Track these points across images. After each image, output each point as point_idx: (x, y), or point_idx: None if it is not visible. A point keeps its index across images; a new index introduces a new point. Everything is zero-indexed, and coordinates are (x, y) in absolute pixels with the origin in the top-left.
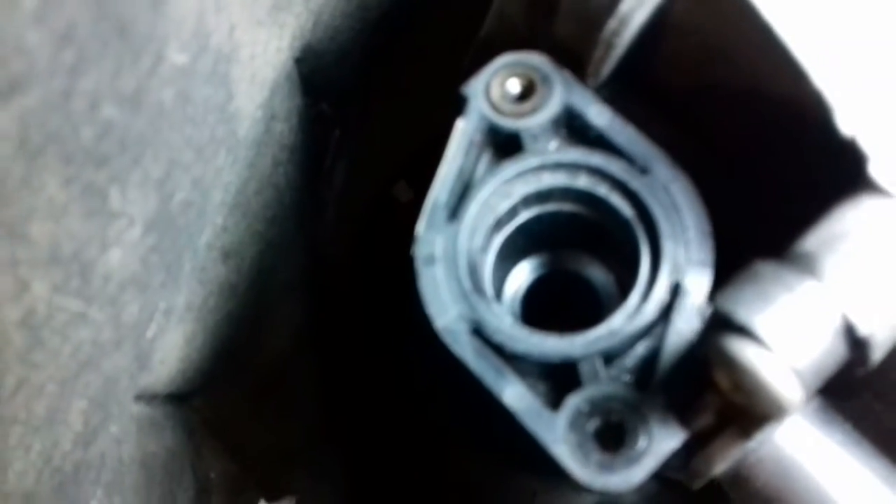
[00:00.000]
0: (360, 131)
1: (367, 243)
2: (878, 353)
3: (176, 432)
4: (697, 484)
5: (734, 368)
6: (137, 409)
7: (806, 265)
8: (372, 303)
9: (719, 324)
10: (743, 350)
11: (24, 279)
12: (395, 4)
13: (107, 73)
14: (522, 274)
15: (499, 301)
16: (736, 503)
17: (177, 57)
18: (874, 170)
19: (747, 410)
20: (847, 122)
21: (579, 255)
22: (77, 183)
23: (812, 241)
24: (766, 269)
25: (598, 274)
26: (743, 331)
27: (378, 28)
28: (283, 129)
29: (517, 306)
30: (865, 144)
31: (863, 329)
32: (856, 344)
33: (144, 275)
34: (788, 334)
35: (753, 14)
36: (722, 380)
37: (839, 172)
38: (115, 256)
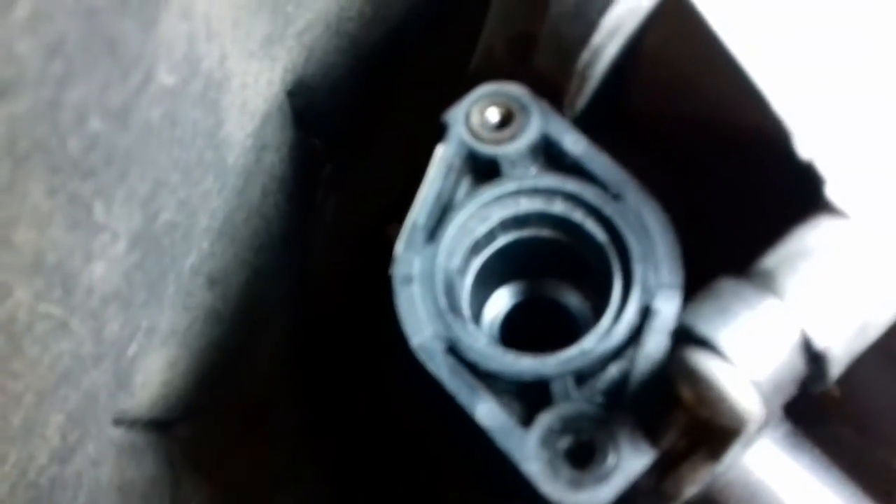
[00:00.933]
0: (353, 168)
1: (356, 278)
2: (835, 369)
3: (156, 461)
4: None
5: (696, 381)
6: (117, 433)
7: (766, 282)
8: (358, 335)
9: (683, 338)
10: (705, 363)
11: (7, 284)
12: (387, 42)
13: (95, 86)
14: (501, 300)
15: (477, 326)
16: None
17: (166, 78)
18: (831, 192)
19: (711, 425)
20: (805, 147)
21: (557, 284)
22: (62, 193)
23: (773, 259)
24: (728, 286)
25: (575, 303)
26: (705, 344)
27: (370, 65)
28: (274, 160)
29: (496, 332)
30: (823, 168)
31: (819, 344)
32: (813, 359)
33: (127, 291)
34: (749, 348)
35: (719, 46)
36: (685, 393)
37: (799, 195)
38: (98, 270)
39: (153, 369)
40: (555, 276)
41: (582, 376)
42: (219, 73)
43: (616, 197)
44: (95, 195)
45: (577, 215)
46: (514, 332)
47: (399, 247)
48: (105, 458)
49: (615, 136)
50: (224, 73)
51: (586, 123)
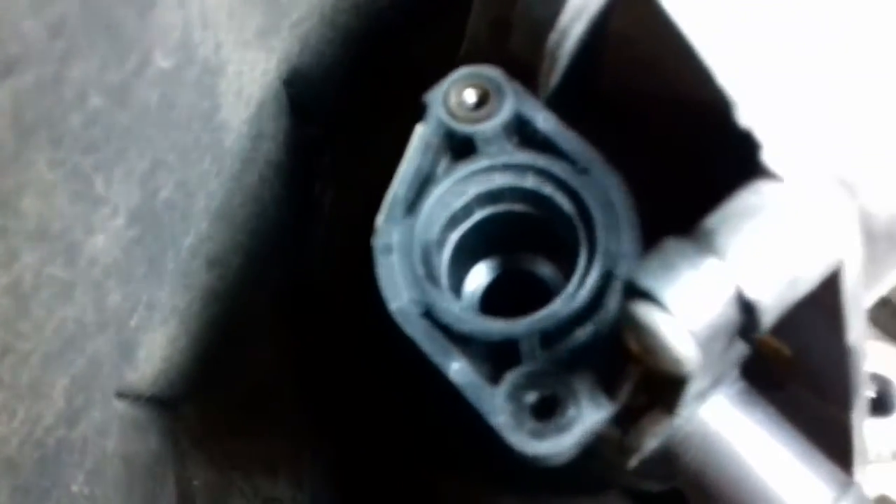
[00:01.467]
0: (350, 160)
1: (354, 270)
2: (766, 317)
3: (160, 437)
4: (632, 462)
5: (640, 330)
6: (122, 406)
7: (706, 240)
8: (356, 326)
9: (630, 292)
10: (648, 313)
11: (14, 248)
12: (381, 33)
13: (94, 65)
14: (480, 275)
15: (458, 299)
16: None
17: (162, 62)
18: (767, 157)
19: (660, 375)
20: (745, 117)
21: (533, 258)
22: (64, 165)
23: (714, 219)
24: (672, 244)
25: (550, 275)
26: (649, 297)
27: (365, 56)
28: (270, 147)
29: (476, 305)
30: (760, 135)
31: (751, 295)
32: (746, 309)
33: (127, 265)
34: (687, 300)
35: (672, 28)
36: (632, 342)
37: (741, 161)
38: (99, 241)
39: (155, 346)
40: (530, 250)
41: (549, 339)
42: (214, 60)
43: (583, 171)
44: (96, 169)
45: (547, 189)
46: (494, 306)
47: (380, 219)
48: (110, 428)
49: (588, 114)
50: (219, 60)
51: (560, 102)
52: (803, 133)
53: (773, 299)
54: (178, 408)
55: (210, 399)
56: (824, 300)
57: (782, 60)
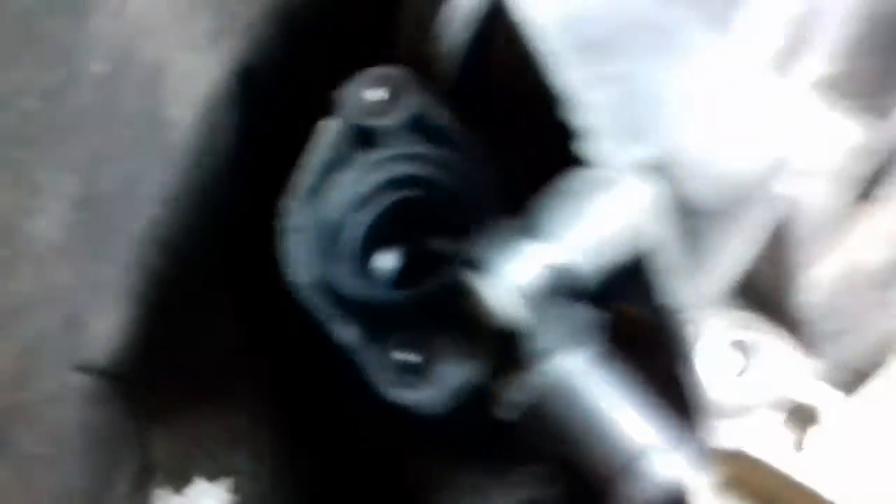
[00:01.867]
0: (302, 152)
1: None
2: (578, 280)
3: (119, 410)
4: (505, 412)
5: (473, 294)
6: (77, 378)
7: (530, 217)
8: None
9: (467, 263)
10: (478, 280)
11: None
12: (327, 32)
13: (29, 71)
14: (390, 257)
15: (364, 277)
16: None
17: (97, 67)
18: (582, 147)
19: (495, 330)
20: (567, 110)
21: (438, 240)
22: (2, 157)
23: (538, 200)
24: (503, 224)
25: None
26: (480, 266)
27: (313, 53)
28: (225, 143)
29: (387, 285)
30: (578, 127)
31: (562, 261)
32: (560, 273)
33: (72, 245)
34: (509, 268)
35: (524, 30)
36: (469, 306)
37: (565, 149)
38: (40, 223)
39: (109, 324)
40: (432, 232)
41: (429, 306)
42: (157, 63)
43: (469, 161)
44: (35, 161)
45: (439, 176)
46: (406, 285)
47: (287, 202)
48: (65, 398)
49: (481, 110)
50: (163, 63)
51: (458, 98)
52: (617, 125)
53: (583, 261)
54: (137, 384)
55: (168, 377)
56: (647, 269)
57: (609, 60)
